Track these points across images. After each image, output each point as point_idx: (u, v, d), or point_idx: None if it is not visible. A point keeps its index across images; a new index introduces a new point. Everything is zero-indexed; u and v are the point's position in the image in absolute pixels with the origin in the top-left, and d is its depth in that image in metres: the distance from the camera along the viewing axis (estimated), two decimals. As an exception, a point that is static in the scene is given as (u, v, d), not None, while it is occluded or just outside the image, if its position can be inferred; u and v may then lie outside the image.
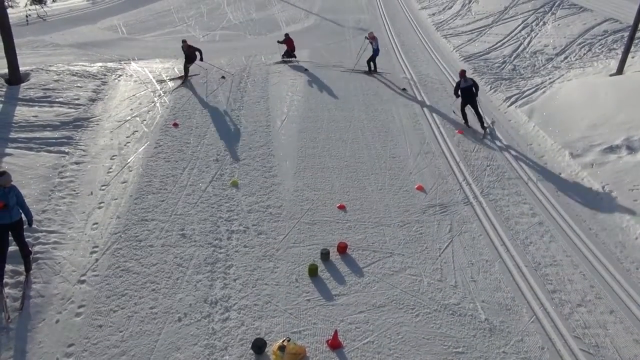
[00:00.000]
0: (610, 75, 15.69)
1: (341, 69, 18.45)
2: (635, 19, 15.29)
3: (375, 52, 17.73)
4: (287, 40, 19.36)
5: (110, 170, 10.81)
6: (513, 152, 12.45)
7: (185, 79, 16.46)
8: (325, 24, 27.67)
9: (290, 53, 19.54)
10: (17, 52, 14.98)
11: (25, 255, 7.59)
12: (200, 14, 29.62)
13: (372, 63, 18.11)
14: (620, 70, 15.63)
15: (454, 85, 14.09)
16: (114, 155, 11.43)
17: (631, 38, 15.52)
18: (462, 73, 13.69)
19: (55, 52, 20.34)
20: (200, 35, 24.54)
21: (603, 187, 10.49)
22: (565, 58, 18.59)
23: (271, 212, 9.62)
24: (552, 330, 7.04)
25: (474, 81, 13.73)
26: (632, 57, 16.36)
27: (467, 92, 13.56)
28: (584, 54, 18.57)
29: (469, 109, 13.91)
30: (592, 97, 14.09)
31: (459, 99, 13.88)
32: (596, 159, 11.50)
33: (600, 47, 18.91)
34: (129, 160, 11.23)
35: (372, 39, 17.65)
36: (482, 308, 7.42)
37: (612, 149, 11.66)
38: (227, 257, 8.35)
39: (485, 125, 13.58)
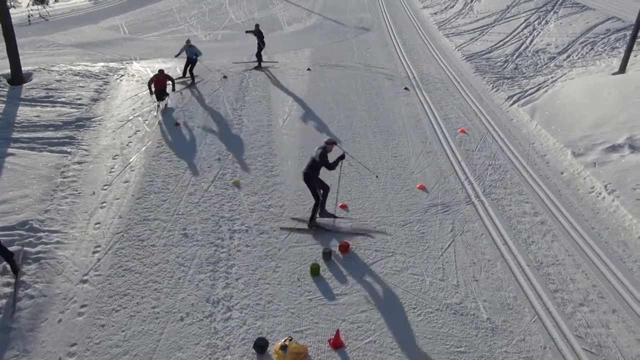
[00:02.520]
0: (613, 74, 15.65)
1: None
2: (638, 17, 15.24)
3: (190, 59, 16.24)
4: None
5: (113, 170, 10.83)
6: (515, 151, 12.43)
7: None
8: (327, 23, 27.66)
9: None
10: (19, 52, 15.01)
11: (7, 258, 7.48)
12: (202, 14, 29.64)
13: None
14: (622, 69, 15.59)
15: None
16: (116, 155, 11.45)
17: (634, 37, 15.48)
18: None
19: (58, 52, 20.37)
20: (202, 35, 24.55)
21: (605, 186, 10.46)
22: (568, 57, 18.55)
23: (273, 212, 9.63)
24: (554, 330, 7.03)
25: None
26: (635, 56, 16.31)
27: None
28: (587, 53, 18.53)
29: None
30: (595, 96, 14.06)
31: None
32: (598, 158, 11.47)
33: (602, 46, 18.86)
34: (131, 160, 11.24)
35: (189, 46, 16.18)
36: (484, 307, 7.41)
37: (614, 148, 11.63)
38: (229, 256, 8.35)
39: None
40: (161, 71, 13.69)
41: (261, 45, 18.09)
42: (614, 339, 6.90)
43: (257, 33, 17.92)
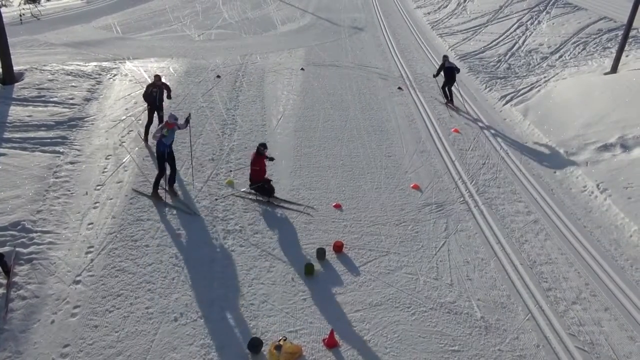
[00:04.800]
0: (605, 73, 15.75)
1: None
2: (630, 17, 15.36)
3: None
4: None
5: (105, 170, 10.77)
6: (508, 151, 12.48)
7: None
8: (321, 23, 27.66)
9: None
10: (11, 51, 14.90)
11: None
12: (195, 13, 29.53)
13: None
14: (614, 69, 15.70)
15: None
16: (109, 155, 11.39)
17: (625, 37, 15.59)
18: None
19: (50, 51, 20.22)
20: (195, 35, 24.47)
21: (598, 185, 10.53)
22: (560, 57, 18.66)
23: (267, 212, 9.61)
24: (548, 328, 7.07)
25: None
26: (627, 56, 16.43)
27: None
28: (579, 53, 18.64)
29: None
30: (587, 95, 14.15)
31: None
32: (591, 157, 11.55)
33: (594, 46, 18.98)
34: (124, 160, 11.18)
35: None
36: (477, 306, 7.44)
37: (606, 147, 11.72)
38: (223, 256, 8.33)
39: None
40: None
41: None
42: (607, 336, 6.95)
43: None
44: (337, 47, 22.32)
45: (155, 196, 9.76)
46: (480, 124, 14.14)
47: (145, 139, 12.13)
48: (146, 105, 12.28)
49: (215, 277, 7.83)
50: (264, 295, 7.53)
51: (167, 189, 9.82)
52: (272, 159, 10.20)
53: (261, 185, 9.76)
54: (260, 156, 9.66)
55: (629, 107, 12.87)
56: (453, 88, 15.48)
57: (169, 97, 12.41)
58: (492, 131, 13.66)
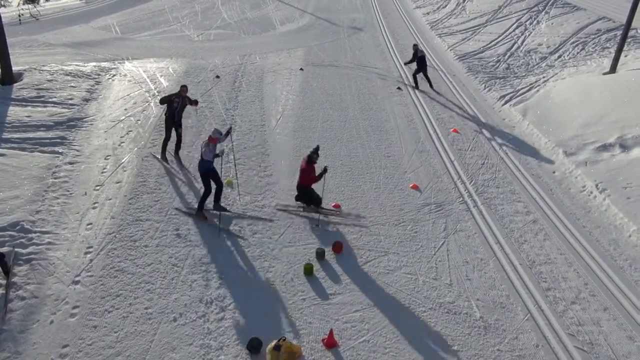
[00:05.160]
0: (604, 73, 15.76)
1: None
2: (629, 17, 15.37)
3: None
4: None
5: (105, 170, 10.76)
6: (507, 151, 12.49)
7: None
8: (320, 23, 27.65)
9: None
10: (9, 51, 14.88)
11: None
12: (194, 13, 29.52)
13: None
14: (613, 69, 15.71)
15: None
16: (108, 156, 11.38)
17: (624, 37, 15.61)
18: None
19: (49, 51, 20.21)
20: (194, 35, 24.46)
21: (597, 185, 10.54)
22: (559, 57, 18.67)
23: (266, 212, 9.61)
24: (547, 328, 7.08)
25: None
26: (625, 56, 16.45)
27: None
28: (578, 53, 18.66)
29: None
30: (586, 95, 14.16)
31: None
32: (590, 157, 11.56)
33: (593, 46, 19.00)
34: (123, 160, 11.18)
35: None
36: (476, 306, 7.44)
37: (605, 147, 11.73)
38: (222, 256, 8.33)
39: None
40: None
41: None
42: (606, 336, 6.96)
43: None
44: (336, 47, 22.32)
45: (200, 216, 9.22)
46: (479, 124, 14.15)
47: (163, 157, 11.11)
48: (164, 119, 11.06)
49: (214, 278, 7.83)
50: (263, 295, 7.53)
51: (213, 207, 9.22)
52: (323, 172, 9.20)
53: (308, 194, 9.26)
54: (311, 165, 9.03)
55: (627, 107, 12.89)
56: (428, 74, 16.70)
57: (192, 103, 11.18)
58: (491, 131, 13.67)
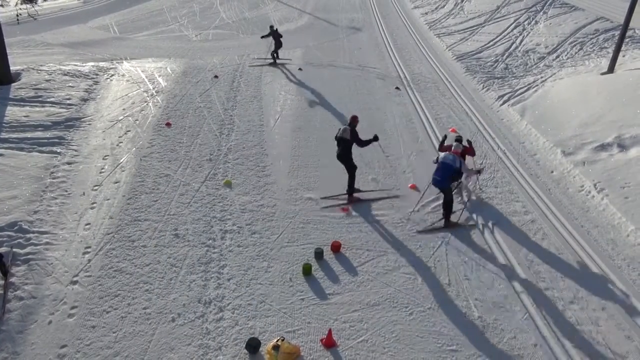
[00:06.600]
0: (602, 73, 15.79)
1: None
2: (626, 17, 15.40)
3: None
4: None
5: (103, 170, 10.75)
6: (506, 151, 12.50)
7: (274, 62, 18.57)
8: (319, 23, 27.67)
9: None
10: (7, 51, 14.87)
11: None
12: (192, 13, 29.51)
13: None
14: (611, 69, 15.74)
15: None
16: (106, 155, 11.37)
17: (622, 37, 15.64)
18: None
19: (47, 51, 20.20)
20: (193, 35, 24.44)
21: (595, 185, 10.55)
22: (557, 57, 18.70)
23: (265, 212, 9.61)
24: (545, 328, 7.08)
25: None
26: (623, 56, 16.48)
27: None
28: (576, 53, 18.69)
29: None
30: (584, 95, 14.18)
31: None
32: (588, 157, 11.58)
33: (591, 46, 19.04)
34: (121, 160, 11.17)
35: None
36: (475, 306, 7.45)
37: (603, 147, 11.74)
38: (220, 256, 8.33)
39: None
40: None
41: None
42: (604, 336, 6.96)
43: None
44: (334, 47, 22.33)
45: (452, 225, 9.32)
46: (477, 124, 14.16)
47: None
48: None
49: (213, 278, 7.83)
50: (261, 295, 7.53)
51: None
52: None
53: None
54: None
55: (625, 107, 12.91)
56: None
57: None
58: (490, 131, 13.68)
